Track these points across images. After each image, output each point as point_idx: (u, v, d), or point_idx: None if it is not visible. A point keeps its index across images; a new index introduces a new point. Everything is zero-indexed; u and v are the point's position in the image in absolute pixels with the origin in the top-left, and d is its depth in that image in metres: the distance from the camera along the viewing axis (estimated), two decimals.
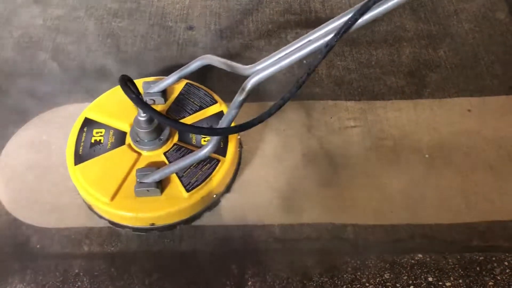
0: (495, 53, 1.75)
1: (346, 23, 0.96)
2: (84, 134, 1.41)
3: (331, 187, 1.44)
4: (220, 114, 1.44)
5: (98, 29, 1.86)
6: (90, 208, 1.40)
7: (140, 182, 1.28)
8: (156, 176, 1.28)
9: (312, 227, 1.37)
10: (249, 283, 1.27)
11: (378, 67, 1.72)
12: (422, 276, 1.28)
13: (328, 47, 0.99)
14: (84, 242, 1.36)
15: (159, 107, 1.45)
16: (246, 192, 1.44)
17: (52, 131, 1.57)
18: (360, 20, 0.96)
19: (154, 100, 1.46)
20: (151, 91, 1.46)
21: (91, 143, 1.38)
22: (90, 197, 1.32)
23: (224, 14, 1.91)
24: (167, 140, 1.37)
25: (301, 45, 1.09)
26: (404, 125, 1.56)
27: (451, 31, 1.82)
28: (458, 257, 1.31)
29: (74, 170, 1.35)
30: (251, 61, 1.73)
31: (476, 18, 1.86)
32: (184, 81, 1.52)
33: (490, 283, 1.26)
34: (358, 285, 1.27)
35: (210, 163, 1.34)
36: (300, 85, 1.04)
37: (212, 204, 1.39)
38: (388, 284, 1.27)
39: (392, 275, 1.28)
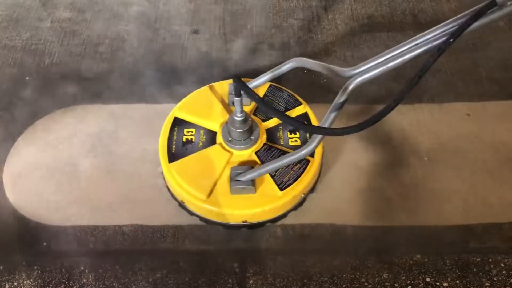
0: (494, 59, 1.78)
1: (460, 28, 0.98)
2: (175, 133, 1.44)
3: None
4: (304, 116, 1.47)
5: (104, 32, 1.90)
6: (181, 205, 1.42)
7: (236, 180, 1.31)
8: (254, 174, 1.30)
9: (311, 227, 1.40)
10: (251, 281, 1.30)
11: None
12: (420, 277, 1.30)
13: (440, 51, 1.01)
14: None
15: (246, 108, 1.48)
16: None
17: (59, 130, 1.61)
18: (473, 25, 0.99)
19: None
20: None
21: (183, 142, 1.42)
22: (186, 194, 1.34)
23: (228, 18, 1.95)
24: (257, 140, 1.41)
25: (407, 49, 1.12)
26: (404, 128, 1.59)
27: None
28: (456, 258, 1.33)
29: (168, 167, 1.37)
30: (255, 65, 1.78)
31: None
32: (268, 83, 1.54)
33: (486, 284, 1.28)
34: (357, 285, 1.29)
35: (300, 163, 1.37)
36: (412, 87, 1.05)
37: (298, 203, 1.42)
38: (386, 284, 1.29)
39: (390, 275, 1.30)
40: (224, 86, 1.54)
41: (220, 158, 1.38)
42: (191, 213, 1.41)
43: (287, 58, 1.78)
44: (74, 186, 1.48)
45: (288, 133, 1.43)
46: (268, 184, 1.34)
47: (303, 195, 1.40)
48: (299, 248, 1.37)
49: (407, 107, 1.64)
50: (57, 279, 1.31)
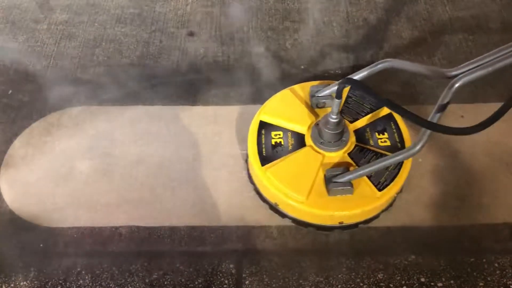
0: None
1: None
2: (263, 137, 1.44)
3: None
4: (389, 116, 1.48)
5: (101, 34, 1.90)
6: (272, 207, 1.42)
7: (335, 182, 1.31)
8: (354, 175, 1.30)
9: (308, 228, 1.41)
10: (247, 282, 1.31)
11: (375, 74, 1.76)
12: (415, 277, 1.31)
13: None
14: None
15: (330, 110, 1.48)
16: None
17: (56, 132, 1.61)
18: None
19: (324, 103, 1.49)
20: (321, 94, 1.49)
21: (272, 145, 1.42)
22: (283, 196, 1.34)
23: (224, 20, 1.96)
24: (348, 141, 1.41)
25: None
26: None
27: (446, 39, 1.87)
28: (450, 258, 1.34)
29: (262, 171, 1.38)
30: (251, 67, 1.79)
31: (470, 27, 1.91)
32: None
33: (480, 284, 1.29)
34: (352, 285, 1.30)
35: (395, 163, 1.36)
36: None
37: (390, 204, 1.43)
38: (381, 284, 1.30)
39: (385, 276, 1.31)
40: (305, 88, 1.55)
41: (313, 160, 1.38)
42: (283, 215, 1.41)
43: (283, 60, 1.80)
44: (71, 187, 1.49)
45: (377, 134, 1.44)
46: (366, 185, 1.34)
47: (396, 195, 1.40)
48: (295, 248, 1.38)
49: None
50: (53, 280, 1.32)
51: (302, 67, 1.79)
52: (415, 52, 1.83)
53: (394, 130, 1.44)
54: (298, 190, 1.33)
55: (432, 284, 1.30)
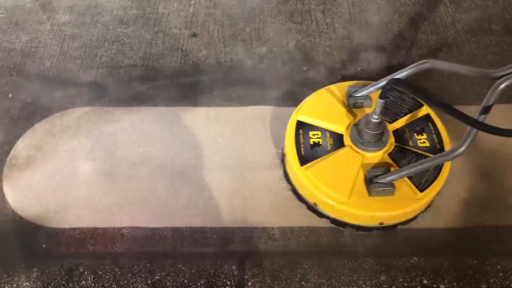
0: (490, 62, 1.79)
1: None
2: (301, 136, 1.44)
3: None
4: (427, 117, 1.48)
5: (104, 35, 1.91)
6: (310, 207, 1.42)
7: (377, 182, 1.31)
8: (397, 175, 1.30)
9: (310, 230, 1.41)
10: (249, 283, 1.31)
11: (377, 76, 1.77)
12: (417, 279, 1.31)
13: None
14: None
15: (367, 110, 1.49)
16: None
17: (59, 133, 1.61)
18: None
19: (362, 103, 1.49)
20: (359, 94, 1.49)
21: (311, 144, 1.42)
22: (323, 196, 1.34)
23: (227, 22, 1.96)
24: (387, 141, 1.41)
25: None
26: None
27: (449, 41, 1.87)
28: (453, 260, 1.34)
29: (302, 170, 1.37)
30: (254, 67, 1.79)
31: (472, 29, 1.91)
32: None
33: (483, 286, 1.29)
34: (355, 287, 1.30)
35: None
36: None
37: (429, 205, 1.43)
38: (384, 286, 1.30)
39: (388, 277, 1.31)
40: (341, 88, 1.55)
41: (353, 161, 1.38)
42: (322, 215, 1.41)
43: (284, 61, 1.80)
44: (74, 188, 1.49)
45: (416, 134, 1.43)
46: (407, 186, 1.33)
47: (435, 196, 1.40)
48: (297, 250, 1.37)
49: None
50: (56, 281, 1.32)
51: (305, 68, 1.79)
52: (418, 53, 1.83)
53: (433, 131, 1.44)
54: (339, 190, 1.33)
55: (435, 286, 1.29)
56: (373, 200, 1.32)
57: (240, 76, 1.78)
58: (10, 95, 1.72)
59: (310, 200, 1.40)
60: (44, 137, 1.61)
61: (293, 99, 1.69)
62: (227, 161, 1.54)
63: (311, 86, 1.73)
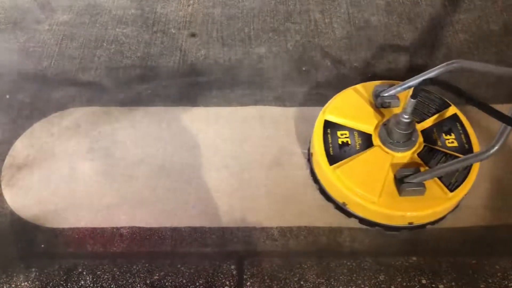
0: (489, 63, 1.78)
1: None
2: (329, 136, 1.44)
3: None
4: (454, 117, 1.48)
5: (102, 35, 1.91)
6: (338, 206, 1.42)
7: (407, 182, 1.31)
8: (429, 175, 1.30)
9: (309, 230, 1.41)
10: (248, 283, 1.31)
11: (375, 75, 1.77)
12: (416, 279, 1.31)
13: None
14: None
15: (395, 110, 1.48)
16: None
17: (57, 133, 1.61)
18: None
19: (390, 103, 1.49)
20: (386, 94, 1.49)
21: (339, 144, 1.42)
22: (353, 196, 1.34)
23: (225, 22, 1.96)
24: (416, 141, 1.41)
25: None
26: None
27: (447, 41, 1.87)
28: (452, 260, 1.34)
29: (331, 170, 1.37)
30: (253, 67, 1.79)
31: (471, 29, 1.91)
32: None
33: (481, 286, 1.29)
34: (353, 287, 1.30)
35: None
36: None
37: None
38: (383, 286, 1.30)
39: (386, 277, 1.31)
40: (367, 88, 1.55)
41: (382, 160, 1.38)
42: (350, 215, 1.40)
43: (283, 61, 1.80)
44: (72, 188, 1.49)
45: (443, 134, 1.44)
46: (437, 186, 1.33)
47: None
48: (296, 250, 1.37)
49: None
50: (55, 281, 1.32)
51: (304, 68, 1.80)
52: (416, 54, 1.83)
53: (461, 131, 1.44)
54: (369, 190, 1.33)
55: (434, 286, 1.30)
56: (403, 200, 1.32)
57: (239, 76, 1.78)
58: (8, 96, 1.72)
59: (339, 199, 1.40)
60: (42, 137, 1.61)
61: (292, 99, 1.69)
62: (226, 161, 1.55)
63: (310, 86, 1.74)
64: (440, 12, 1.98)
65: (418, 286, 1.30)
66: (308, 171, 1.52)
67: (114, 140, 1.60)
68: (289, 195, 1.47)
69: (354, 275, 1.32)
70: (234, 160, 1.55)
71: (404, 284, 1.30)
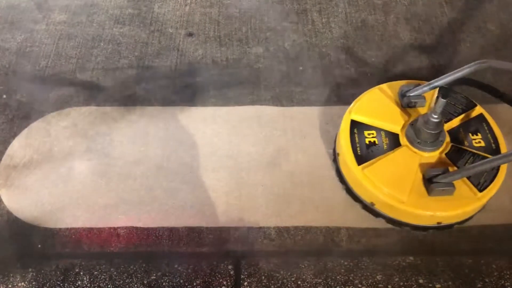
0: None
1: None
2: (356, 136, 1.44)
3: None
4: (480, 117, 1.48)
5: (99, 35, 1.90)
6: (365, 206, 1.41)
7: (437, 182, 1.30)
8: (459, 175, 1.30)
9: (306, 230, 1.41)
10: (245, 283, 1.31)
11: (373, 75, 1.77)
12: (413, 278, 1.31)
13: None
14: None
15: (421, 110, 1.48)
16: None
17: (54, 133, 1.61)
18: None
19: (416, 103, 1.48)
20: (412, 94, 1.48)
21: (366, 144, 1.42)
22: (382, 196, 1.33)
23: (223, 21, 1.96)
24: (444, 141, 1.40)
25: None
26: None
27: (444, 40, 1.87)
28: (448, 260, 1.35)
29: (359, 170, 1.37)
30: (250, 67, 1.79)
31: (468, 29, 1.91)
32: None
33: (478, 285, 1.30)
34: (351, 286, 1.30)
35: None
36: None
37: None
38: (380, 285, 1.30)
39: (384, 277, 1.32)
40: (393, 87, 1.54)
41: (410, 160, 1.38)
42: (378, 215, 1.40)
43: (280, 61, 1.80)
44: (69, 188, 1.49)
45: (470, 134, 1.44)
46: (466, 186, 1.33)
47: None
48: (293, 250, 1.38)
49: None
50: (52, 281, 1.31)
51: (301, 68, 1.80)
52: (413, 53, 1.83)
53: (487, 131, 1.44)
54: (398, 190, 1.33)
55: (431, 285, 1.30)
56: (432, 200, 1.32)
57: (236, 75, 1.77)
58: (4, 96, 1.71)
59: (367, 199, 1.40)
60: (40, 136, 1.60)
61: (289, 98, 1.69)
62: (223, 161, 1.54)
63: (308, 86, 1.74)
64: (436, 11, 1.98)
65: (415, 285, 1.30)
66: (305, 169, 1.52)
67: (111, 140, 1.60)
68: (287, 194, 1.47)
69: (352, 274, 1.32)
70: (231, 160, 1.55)
71: (401, 283, 1.30)
